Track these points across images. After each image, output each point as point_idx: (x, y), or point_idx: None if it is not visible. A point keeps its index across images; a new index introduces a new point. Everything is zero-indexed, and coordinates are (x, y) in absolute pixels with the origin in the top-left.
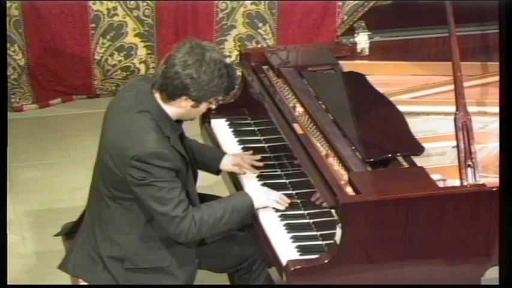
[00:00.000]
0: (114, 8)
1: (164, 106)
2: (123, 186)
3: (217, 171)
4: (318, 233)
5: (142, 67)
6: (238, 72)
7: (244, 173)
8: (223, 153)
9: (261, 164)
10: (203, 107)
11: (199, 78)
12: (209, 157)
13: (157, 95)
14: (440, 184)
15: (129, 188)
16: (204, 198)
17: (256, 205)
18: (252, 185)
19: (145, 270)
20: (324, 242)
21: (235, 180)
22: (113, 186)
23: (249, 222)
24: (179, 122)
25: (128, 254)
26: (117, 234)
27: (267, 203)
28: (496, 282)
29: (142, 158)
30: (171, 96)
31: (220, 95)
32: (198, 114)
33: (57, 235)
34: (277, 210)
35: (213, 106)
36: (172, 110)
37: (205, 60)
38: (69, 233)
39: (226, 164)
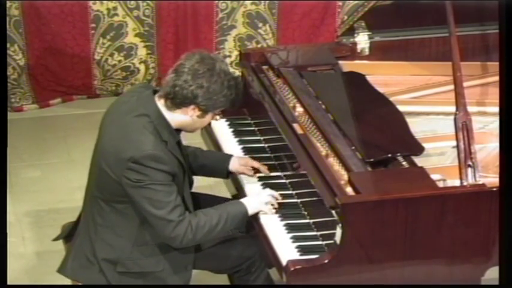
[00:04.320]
0: (114, 8)
1: (166, 113)
2: (117, 189)
3: (226, 174)
4: (318, 233)
5: (142, 67)
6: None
7: (255, 174)
8: (230, 155)
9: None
10: (208, 117)
11: (210, 88)
12: (217, 159)
13: (160, 102)
14: (440, 184)
15: (123, 191)
16: (201, 198)
17: (250, 212)
18: (251, 186)
19: (137, 274)
20: (324, 242)
21: (235, 182)
22: (107, 189)
23: (244, 226)
24: (178, 131)
25: (121, 257)
26: (111, 236)
27: (260, 207)
28: (496, 282)
29: (138, 160)
30: (178, 104)
31: (226, 106)
32: (201, 125)
33: (56, 239)
34: (277, 211)
35: (218, 118)
36: (176, 117)
37: (215, 70)
38: (68, 236)
39: (234, 164)
